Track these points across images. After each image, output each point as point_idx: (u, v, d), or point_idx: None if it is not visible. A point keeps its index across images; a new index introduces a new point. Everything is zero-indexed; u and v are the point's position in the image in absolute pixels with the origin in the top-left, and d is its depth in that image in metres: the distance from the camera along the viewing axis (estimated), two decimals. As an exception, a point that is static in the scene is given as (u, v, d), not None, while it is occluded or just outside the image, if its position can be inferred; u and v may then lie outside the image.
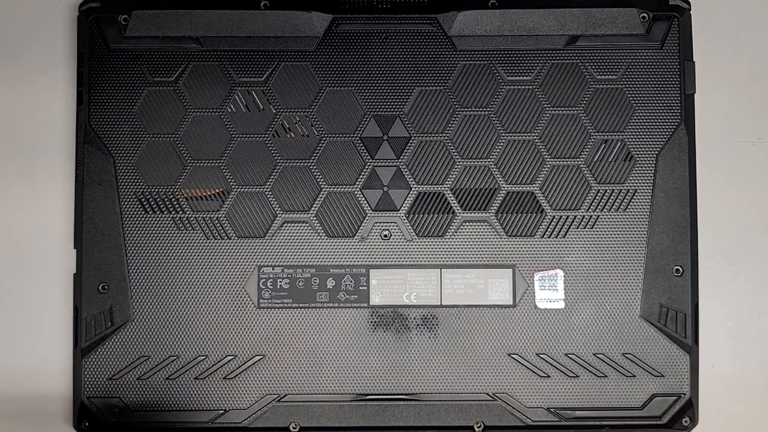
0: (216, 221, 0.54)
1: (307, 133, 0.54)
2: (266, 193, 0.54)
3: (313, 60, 0.55)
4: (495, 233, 0.54)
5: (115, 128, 0.54)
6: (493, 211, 0.54)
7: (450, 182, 0.54)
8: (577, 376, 0.53)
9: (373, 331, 0.53)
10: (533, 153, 0.54)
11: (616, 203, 0.54)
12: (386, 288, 0.54)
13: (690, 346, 0.53)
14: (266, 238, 0.54)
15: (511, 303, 0.54)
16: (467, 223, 0.54)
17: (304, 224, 0.54)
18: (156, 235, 0.54)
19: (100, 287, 0.53)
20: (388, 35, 0.55)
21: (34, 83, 0.57)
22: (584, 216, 0.54)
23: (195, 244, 0.54)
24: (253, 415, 0.53)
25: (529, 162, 0.54)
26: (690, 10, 0.55)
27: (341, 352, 0.53)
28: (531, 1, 0.55)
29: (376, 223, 0.54)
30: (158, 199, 0.54)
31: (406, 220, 0.54)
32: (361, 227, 0.54)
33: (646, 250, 0.54)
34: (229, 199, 0.54)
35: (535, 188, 0.54)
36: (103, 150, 0.54)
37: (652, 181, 0.54)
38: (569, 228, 0.54)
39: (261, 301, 0.54)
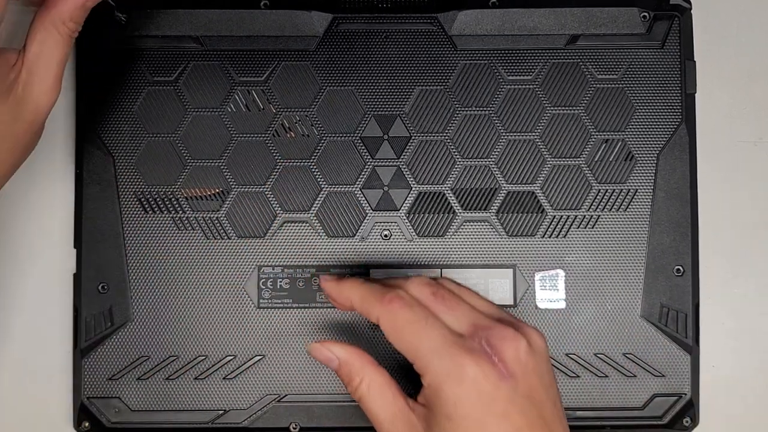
0: (216, 221, 0.54)
1: (307, 132, 0.54)
2: (266, 192, 0.54)
3: (313, 60, 0.54)
4: (495, 233, 0.54)
5: (114, 128, 0.54)
6: (493, 211, 0.54)
7: (450, 182, 0.54)
8: (578, 376, 0.53)
9: (374, 331, 0.53)
10: (534, 153, 0.54)
11: (616, 203, 0.54)
12: (386, 288, 0.54)
13: (691, 346, 0.53)
14: (266, 238, 0.54)
15: (511, 303, 0.54)
16: (467, 223, 0.54)
17: (304, 224, 0.54)
18: (156, 235, 0.54)
19: (99, 287, 0.53)
20: (388, 35, 0.55)
21: (34, 83, 0.57)
22: (585, 216, 0.54)
23: (195, 244, 0.54)
24: (253, 415, 0.53)
25: (530, 162, 0.54)
26: (691, 9, 0.55)
27: (341, 352, 0.53)
28: (531, 0, 0.55)
29: (377, 223, 0.54)
30: (158, 199, 0.54)
31: (406, 220, 0.54)
32: (362, 227, 0.54)
33: (646, 250, 0.54)
34: (229, 199, 0.54)
35: (536, 188, 0.54)
36: (103, 150, 0.54)
37: (653, 181, 0.54)
38: (570, 228, 0.54)
39: (261, 301, 0.53)
